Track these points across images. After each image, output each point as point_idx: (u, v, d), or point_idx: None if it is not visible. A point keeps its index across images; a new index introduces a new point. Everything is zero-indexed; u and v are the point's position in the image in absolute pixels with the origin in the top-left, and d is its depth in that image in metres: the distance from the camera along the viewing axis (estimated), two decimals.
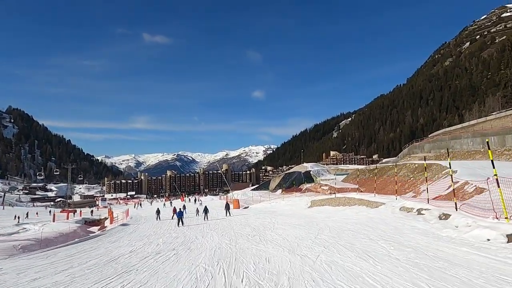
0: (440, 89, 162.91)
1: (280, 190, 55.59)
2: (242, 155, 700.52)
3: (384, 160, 52.98)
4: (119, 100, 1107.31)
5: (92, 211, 44.76)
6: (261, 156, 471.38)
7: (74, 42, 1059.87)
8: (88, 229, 28.10)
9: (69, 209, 56.91)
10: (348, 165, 68.73)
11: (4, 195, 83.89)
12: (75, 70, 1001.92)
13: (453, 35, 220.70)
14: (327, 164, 79.45)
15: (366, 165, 60.00)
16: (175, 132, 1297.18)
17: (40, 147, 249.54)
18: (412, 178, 27.15)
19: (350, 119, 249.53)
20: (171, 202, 42.48)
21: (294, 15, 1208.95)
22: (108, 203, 79.74)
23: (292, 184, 52.63)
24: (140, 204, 53.76)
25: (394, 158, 52.33)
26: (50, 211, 50.46)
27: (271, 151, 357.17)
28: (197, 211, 28.31)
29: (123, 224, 24.84)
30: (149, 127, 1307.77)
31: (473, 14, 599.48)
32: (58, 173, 76.10)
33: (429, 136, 42.19)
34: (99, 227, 29.55)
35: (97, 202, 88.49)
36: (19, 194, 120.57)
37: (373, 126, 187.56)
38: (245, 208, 34.26)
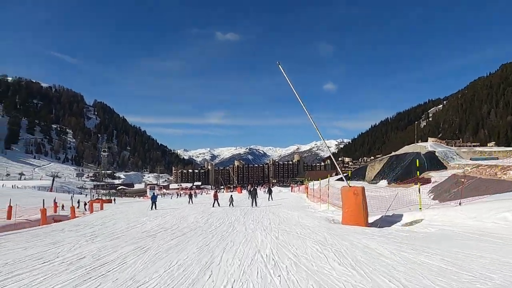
0: None
1: (384, 181, 36.51)
2: (314, 149, 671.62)
3: None
4: (195, 97, 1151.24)
5: (85, 204, 32.08)
6: (333, 150, 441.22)
7: (157, 45, 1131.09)
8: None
9: (103, 199, 46.57)
10: (492, 147, 46.12)
11: (53, 179, 78.87)
12: (157, 71, 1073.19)
13: None
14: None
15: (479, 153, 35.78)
16: (248, 126, 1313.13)
17: (117, 137, 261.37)
18: None
19: (441, 105, 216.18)
20: (190, 194, 29.47)
21: (369, 3, 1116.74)
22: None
23: (406, 171, 33.16)
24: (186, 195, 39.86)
25: None
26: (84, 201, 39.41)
27: (344, 145, 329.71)
28: (231, 199, 22.56)
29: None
30: (223, 122, 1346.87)
31: None
32: (106, 153, 67.90)
33: None
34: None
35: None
36: (86, 181, 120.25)
37: (479, 110, 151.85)
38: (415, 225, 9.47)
